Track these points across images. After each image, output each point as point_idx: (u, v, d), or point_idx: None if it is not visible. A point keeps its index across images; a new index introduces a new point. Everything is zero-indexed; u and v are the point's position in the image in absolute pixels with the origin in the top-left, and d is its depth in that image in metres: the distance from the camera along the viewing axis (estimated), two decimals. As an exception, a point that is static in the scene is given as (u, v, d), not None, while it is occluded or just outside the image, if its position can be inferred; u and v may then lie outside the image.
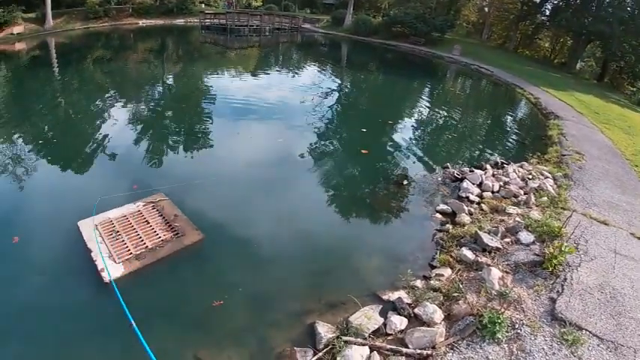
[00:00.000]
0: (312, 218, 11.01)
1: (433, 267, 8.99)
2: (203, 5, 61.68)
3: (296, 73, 29.30)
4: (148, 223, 9.74)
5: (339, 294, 7.99)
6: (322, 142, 16.33)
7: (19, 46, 50.25)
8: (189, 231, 9.50)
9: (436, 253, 9.40)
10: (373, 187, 12.94)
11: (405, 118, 20.64)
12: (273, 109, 20.26)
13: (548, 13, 54.78)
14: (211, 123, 18.20)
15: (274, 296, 8.03)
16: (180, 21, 53.65)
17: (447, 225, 10.34)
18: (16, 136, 18.66)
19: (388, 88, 27.28)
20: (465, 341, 6.50)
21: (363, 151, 15.33)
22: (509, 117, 25.65)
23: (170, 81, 28.91)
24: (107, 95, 24.36)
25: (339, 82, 26.97)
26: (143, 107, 21.67)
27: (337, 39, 43.60)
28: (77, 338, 7.34)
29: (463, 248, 9.13)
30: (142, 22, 53.01)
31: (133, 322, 6.82)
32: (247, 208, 11.13)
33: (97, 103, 23.04)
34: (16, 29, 53.78)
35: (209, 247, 9.31)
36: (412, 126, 20.11)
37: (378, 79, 29.78)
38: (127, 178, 13.04)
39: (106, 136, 16.95)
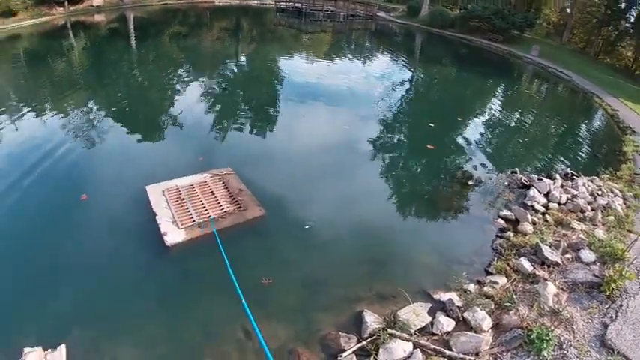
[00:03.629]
0: (371, 208, 11.12)
1: (488, 273, 8.85)
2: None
3: (367, 62, 29.21)
4: (213, 194, 10.26)
5: (391, 286, 8.11)
6: (388, 133, 16.34)
7: (98, 17, 53.38)
8: (252, 206, 9.91)
9: (493, 260, 9.24)
10: (436, 183, 12.84)
11: (476, 117, 20.13)
12: (341, 95, 20.40)
13: (632, 20, 51.03)
14: (280, 104, 18.68)
15: (326, 279, 8.25)
16: (255, 2, 54.80)
17: (508, 232, 10.10)
18: (92, 101, 20.09)
19: (460, 85, 26.65)
20: (509, 353, 6.44)
21: (428, 147, 15.17)
22: (584, 127, 24.35)
23: (243, 60, 29.75)
24: (181, 70, 25.57)
25: (411, 74, 26.65)
26: (215, 84, 22.58)
27: (412, 30, 42.82)
28: (134, 291, 8.13)
29: (522, 258, 8.93)
30: (218, 1, 54.59)
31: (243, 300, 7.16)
32: (309, 190, 11.45)
33: (170, 76, 24.33)
34: (96, 1, 57.08)
35: (269, 224, 9.67)
36: (482, 125, 19.61)
37: (450, 74, 29.14)
38: (194, 150, 13.89)
39: (177, 108, 18.02)
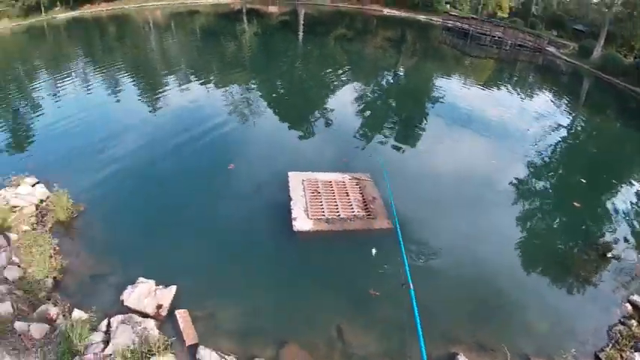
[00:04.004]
0: (496, 250, 10.49)
1: (598, 359, 7.89)
2: (448, 6, 62.01)
3: (527, 97, 27.55)
4: (348, 195, 10.60)
5: (493, 339, 7.69)
6: (534, 178, 15.21)
7: (272, 9, 58.04)
8: (381, 217, 10.03)
9: (607, 345, 8.18)
10: (572, 246, 11.67)
11: (633, 184, 17.85)
12: (493, 126, 19.54)
13: None
14: (428, 122, 18.52)
15: (431, 307, 7.98)
16: (422, 17, 54.92)
17: (632, 320, 8.88)
18: (254, 84, 21.93)
19: (623, 142, 23.67)
20: None
21: (575, 204, 13.84)
22: None
23: (401, 72, 30.11)
24: (340, 71, 26.74)
25: (570, 119, 24.47)
26: (370, 90, 23.31)
27: (580, 71, 39.22)
28: (252, 260, 8.97)
29: (637, 354, 7.81)
30: (386, 11, 55.85)
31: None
32: (439, 215, 11.24)
33: (330, 75, 25.60)
34: None
35: (393, 239, 9.60)
36: (637, 195, 17.31)
37: (613, 127, 26.18)
38: (338, 149, 14.57)
39: (330, 106, 18.98)
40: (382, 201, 10.69)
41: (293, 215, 9.62)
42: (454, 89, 25.34)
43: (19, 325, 7.11)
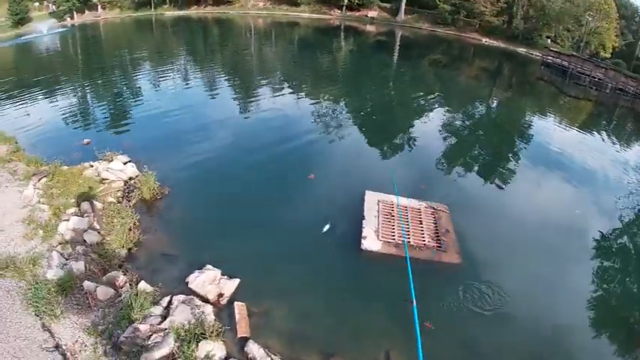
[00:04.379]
0: (563, 307, 9.66)
1: None
2: (549, 40, 59.36)
3: (624, 146, 25.59)
4: (421, 223, 10.50)
5: None
6: (621, 236, 13.98)
7: (370, 28, 58.78)
8: (452, 251, 9.82)
9: None
10: None
11: None
12: (584, 173, 18.25)
13: None
14: (514, 159, 17.71)
15: (485, 354, 7.71)
16: (522, 50, 53.01)
17: None
18: (344, 99, 22.31)
19: None
20: None
21: None
22: None
23: (493, 105, 29.25)
24: (431, 96, 26.59)
25: None
26: (458, 119, 22.86)
27: None
28: (317, 267, 9.31)
29: None
30: (485, 41, 54.56)
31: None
32: (512, 259, 10.59)
33: (419, 99, 25.55)
34: (371, 13, 63.63)
35: (460, 274, 9.39)
36: None
37: None
38: (417, 174, 14.49)
39: (415, 129, 19.09)
40: (455, 235, 10.44)
41: (363, 234, 9.72)
42: (547, 128, 24.13)
43: (87, 284, 7.85)
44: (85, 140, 15.04)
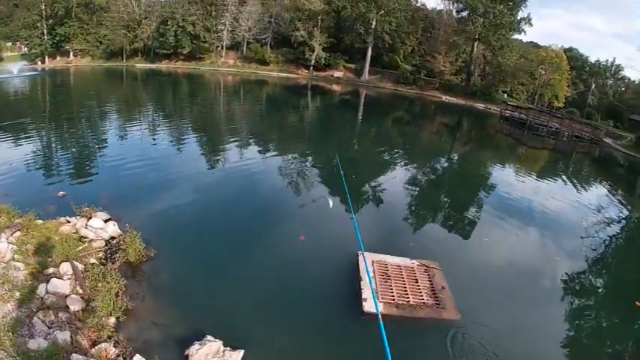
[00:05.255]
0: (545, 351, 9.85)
1: None
2: (505, 95, 62.97)
3: (580, 189, 26.71)
4: (417, 282, 10.48)
5: None
6: (580, 275, 14.34)
7: (336, 87, 61.00)
8: (450, 308, 9.79)
9: None
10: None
11: None
12: (551, 218, 18.78)
13: None
14: (483, 212, 18.09)
15: None
16: (480, 105, 55.85)
17: None
18: (311, 157, 22.74)
19: None
20: None
21: (638, 304, 12.81)
22: None
23: (455, 159, 30.29)
24: (395, 152, 27.51)
25: (625, 214, 23.38)
26: (424, 174, 23.49)
27: (638, 163, 38.19)
28: (320, 335, 8.93)
29: None
30: (445, 98, 57.35)
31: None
32: (508, 306, 10.74)
33: (384, 155, 26.39)
34: (337, 73, 66.59)
35: (461, 331, 9.37)
36: None
37: None
38: (405, 233, 14.59)
39: (383, 187, 19.14)
40: (450, 291, 10.51)
41: (363, 296, 9.55)
42: (507, 180, 25.08)
43: (75, 358, 7.00)
44: (60, 193, 14.37)
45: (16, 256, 9.51)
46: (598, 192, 26.52)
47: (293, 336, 8.80)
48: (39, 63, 64.59)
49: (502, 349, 9.10)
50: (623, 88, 70.68)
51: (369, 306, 9.30)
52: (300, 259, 11.70)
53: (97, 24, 68.40)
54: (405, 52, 63.53)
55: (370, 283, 9.93)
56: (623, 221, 21.38)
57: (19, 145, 20.55)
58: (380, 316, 7.18)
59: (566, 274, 13.45)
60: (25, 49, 68.20)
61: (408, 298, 9.83)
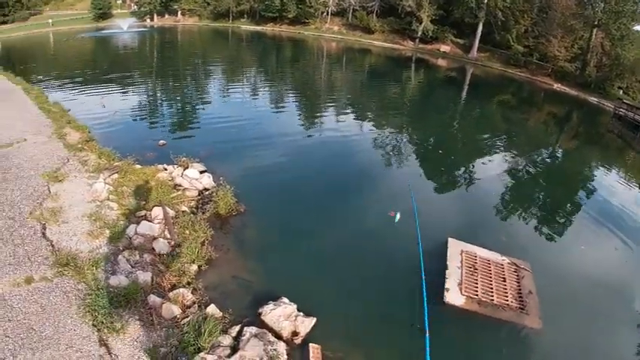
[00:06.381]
0: None
1: None
2: (621, 92, 56.70)
3: None
4: (504, 281, 10.06)
5: None
6: None
7: (441, 62, 58.42)
8: (534, 314, 9.32)
9: None
10: None
11: None
12: None
13: None
14: (582, 217, 16.24)
15: None
16: (593, 99, 50.68)
17: None
18: (408, 131, 22.19)
19: None
20: None
21: None
22: None
23: (558, 154, 28.07)
24: (497, 138, 25.96)
25: None
26: (524, 165, 22.05)
27: None
28: (398, 316, 8.80)
29: None
30: (556, 86, 52.77)
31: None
32: (595, 324, 10.04)
33: (485, 140, 24.97)
34: (444, 48, 63.58)
35: (543, 341, 8.89)
36: None
37: None
38: (498, 225, 13.93)
39: (479, 173, 18.23)
40: (539, 297, 9.93)
41: (446, 286, 9.36)
42: (615, 185, 22.77)
43: (153, 298, 7.37)
44: (161, 141, 15.14)
45: (111, 197, 10.22)
46: None
47: (367, 314, 8.83)
48: (148, 20, 67.86)
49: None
50: None
51: (450, 297, 9.15)
52: (385, 236, 11.55)
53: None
54: (518, 32, 58.52)
55: (456, 274, 9.71)
56: None
57: (127, 97, 22.02)
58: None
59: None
60: (135, 6, 71.59)
61: (492, 296, 9.48)
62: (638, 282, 12.68)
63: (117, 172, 11.27)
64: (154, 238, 9.12)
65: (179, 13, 71.50)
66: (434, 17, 61.50)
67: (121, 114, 18.47)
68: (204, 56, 39.98)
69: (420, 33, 61.98)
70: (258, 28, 69.33)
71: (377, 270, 10.17)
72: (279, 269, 9.56)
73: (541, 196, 18.54)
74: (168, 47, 46.60)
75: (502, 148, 23.93)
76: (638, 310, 11.12)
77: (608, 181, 23.40)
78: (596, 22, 52.81)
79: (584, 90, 52.33)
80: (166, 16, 71.57)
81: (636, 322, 10.71)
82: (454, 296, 9.15)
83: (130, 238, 9.03)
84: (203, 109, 21.26)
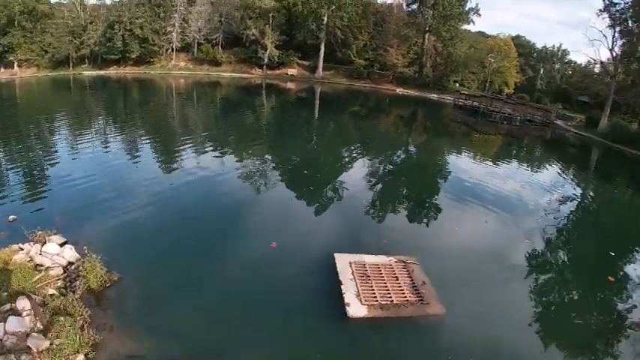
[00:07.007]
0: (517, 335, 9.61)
1: None
2: (457, 85, 64.13)
3: (536, 170, 27.34)
4: (397, 279, 10.06)
5: None
6: (549, 254, 14.41)
7: (290, 85, 60.21)
8: (433, 302, 9.43)
9: None
10: (612, 323, 10.76)
11: None
12: (506, 199, 18.96)
13: None
14: (447, 201, 17.57)
15: None
16: (434, 95, 56.49)
17: None
18: (270, 156, 22.19)
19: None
20: None
21: (610, 279, 12.94)
22: None
23: (412, 149, 30.28)
24: (353, 146, 27.27)
25: (580, 191, 23.89)
26: (384, 167, 23.33)
27: (588, 142, 38.92)
28: (309, 344, 8.25)
29: None
30: (399, 90, 57.72)
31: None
32: (491, 294, 10.69)
33: (343, 150, 25.97)
34: (291, 71, 65.75)
35: (447, 324, 9.05)
36: None
37: (625, 196, 25.38)
38: (377, 230, 14.11)
39: (347, 185, 18.40)
40: (433, 286, 10.13)
41: (346, 300, 9.01)
42: (463, 164, 25.35)
43: None
44: (11, 217, 12.92)
45: (-34, 293, 8.29)
46: (551, 171, 27.15)
47: (276, 349, 8.16)
48: (-19, 77, 60.67)
49: (489, 336, 8.98)
50: (569, 72, 73.23)
51: (353, 310, 8.80)
52: (274, 267, 10.84)
53: (41, 32, 64.44)
54: (358, 47, 63.34)
55: (351, 286, 9.48)
56: (576, 198, 21.86)
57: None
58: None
59: (536, 254, 13.52)
60: (-38, 62, 63.85)
61: (390, 297, 9.38)
62: (514, 245, 13.84)
63: (-32, 261, 9.27)
64: (28, 335, 7.56)
65: (15, 65, 64.42)
66: (278, 43, 63.47)
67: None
68: (47, 110, 35.90)
69: (266, 60, 63.35)
70: (102, 72, 64.96)
71: (275, 306, 9.30)
72: (172, 330, 8.39)
73: (407, 192, 19.59)
74: (7, 105, 41.05)
75: (361, 155, 25.13)
76: (521, 270, 12.05)
77: (462, 163, 25.84)
78: (427, 28, 59.32)
79: (424, 89, 57.96)
80: (2, 69, 64.07)
81: (522, 281, 11.54)
82: (356, 308, 8.83)
83: (1, 340, 7.41)
84: (52, 170, 18.46)
